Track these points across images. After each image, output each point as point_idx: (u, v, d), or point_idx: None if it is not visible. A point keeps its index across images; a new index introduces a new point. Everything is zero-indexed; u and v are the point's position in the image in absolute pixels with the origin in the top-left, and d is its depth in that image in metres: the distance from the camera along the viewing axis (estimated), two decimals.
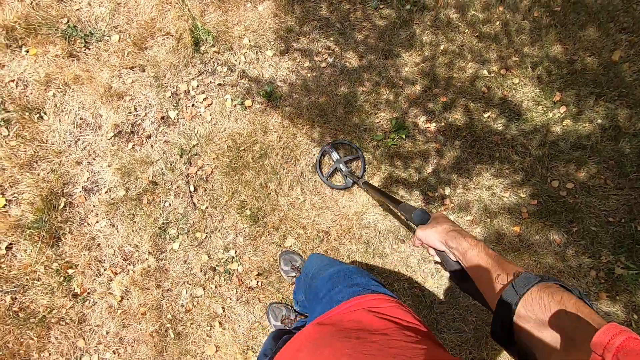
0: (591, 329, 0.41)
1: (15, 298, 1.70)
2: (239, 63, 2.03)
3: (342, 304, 0.82)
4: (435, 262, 0.80)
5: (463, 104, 2.14)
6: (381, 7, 2.18)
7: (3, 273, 1.69)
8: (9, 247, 1.72)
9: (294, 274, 1.85)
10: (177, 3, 1.95)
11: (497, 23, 2.23)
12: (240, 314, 1.87)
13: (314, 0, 2.14)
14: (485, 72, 2.19)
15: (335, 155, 2.01)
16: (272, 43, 2.08)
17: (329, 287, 0.94)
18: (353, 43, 2.14)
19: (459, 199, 2.05)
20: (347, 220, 1.99)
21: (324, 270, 1.05)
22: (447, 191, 2.06)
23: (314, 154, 2.03)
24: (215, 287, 1.87)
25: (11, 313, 1.68)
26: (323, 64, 2.10)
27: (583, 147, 2.10)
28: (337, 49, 2.12)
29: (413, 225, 0.85)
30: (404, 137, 2.07)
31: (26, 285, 1.70)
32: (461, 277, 0.73)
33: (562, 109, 2.15)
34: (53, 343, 1.70)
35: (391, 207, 1.86)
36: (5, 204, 1.73)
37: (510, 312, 0.53)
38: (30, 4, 1.91)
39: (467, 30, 2.21)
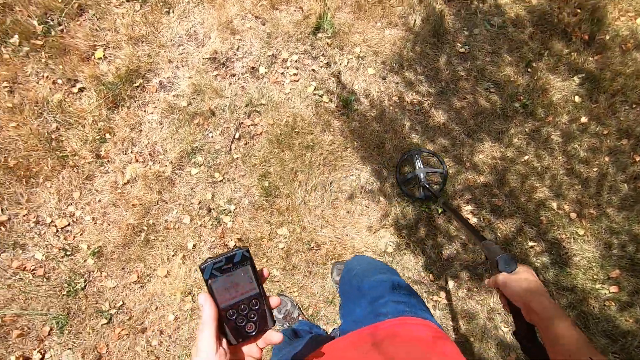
0: None
1: (59, 129, 1.93)
2: (340, 64, 2.14)
3: (388, 321, 0.80)
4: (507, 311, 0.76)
5: (514, 218, 2.02)
6: (492, 90, 2.16)
7: (65, 105, 1.94)
8: (81, 89, 1.97)
9: None
10: None
11: (595, 169, 2.08)
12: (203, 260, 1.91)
13: (435, 52, 2.19)
14: (554, 206, 2.05)
15: (418, 163, 2.01)
16: (377, 64, 2.16)
17: (374, 296, 0.92)
18: (446, 105, 2.14)
19: (455, 303, 1.92)
20: (341, 248, 1.96)
21: (373, 275, 1.02)
22: (451, 284, 1.94)
23: (352, 174, 2.05)
24: (201, 225, 1.94)
25: (49, 137, 1.91)
26: (408, 107, 2.13)
27: (613, 339, 1.85)
28: (428, 102, 2.14)
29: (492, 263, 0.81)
30: (439, 211, 2.01)
31: (72, 124, 1.93)
32: (528, 338, 0.70)
33: (613, 289, 1.93)
34: (59, 180, 1.89)
35: (472, 239, 1.81)
36: (101, 58, 1.99)
37: None
38: None
39: (560, 157, 2.10)
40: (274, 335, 0.55)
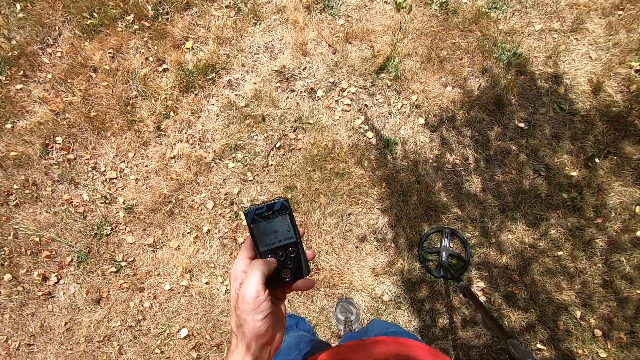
0: None
1: (137, 97, 2.24)
2: (393, 106, 2.20)
3: (380, 337, 0.83)
4: None
5: (528, 312, 1.87)
6: (541, 173, 2.05)
7: (148, 80, 2.25)
8: (164, 70, 2.28)
9: (342, 327, 1.86)
10: (397, 35, 2.22)
11: (638, 292, 1.86)
12: (213, 246, 2.05)
13: (492, 119, 2.15)
14: (578, 315, 1.86)
15: (445, 241, 1.98)
16: (429, 116, 2.18)
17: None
18: (487, 175, 2.08)
19: None
20: (339, 279, 1.97)
21: (384, 329, 1.06)
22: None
23: (372, 213, 2.06)
24: (220, 214, 2.09)
25: (127, 101, 2.23)
26: (447, 165, 2.10)
27: None
28: (470, 166, 2.10)
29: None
30: (450, 283, 1.93)
31: (148, 96, 2.23)
32: None
33: None
34: (122, 138, 2.18)
35: (495, 333, 1.77)
36: (189, 48, 2.29)
37: None
38: None
39: (600, 265, 1.91)
40: (308, 282, 0.57)
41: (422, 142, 2.16)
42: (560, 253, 1.94)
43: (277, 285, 0.56)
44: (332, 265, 1.99)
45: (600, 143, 2.07)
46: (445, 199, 2.06)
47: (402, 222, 2.04)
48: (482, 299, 1.94)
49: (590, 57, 2.19)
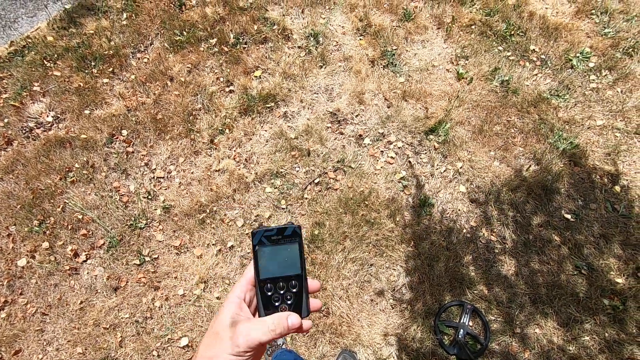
0: None
1: (201, 109, 2.45)
2: (437, 169, 2.21)
3: None
4: None
5: None
6: (583, 272, 1.92)
7: (214, 97, 2.46)
8: (231, 91, 2.49)
9: None
10: (453, 102, 2.28)
11: None
12: (233, 263, 2.09)
13: (537, 204, 2.08)
14: None
15: (465, 318, 1.90)
16: (472, 186, 2.16)
17: None
18: (523, 260, 1.98)
19: None
20: (347, 328, 1.92)
21: None
22: None
23: (395, 270, 2.02)
24: (247, 233, 2.15)
25: (190, 112, 2.43)
26: (482, 240, 2.04)
27: None
28: (505, 246, 2.02)
29: None
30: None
31: (210, 111, 2.43)
32: None
33: None
34: (177, 143, 2.36)
35: None
36: (257, 76, 2.50)
37: None
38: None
39: None
40: (304, 324, 0.50)
41: (459, 209, 2.12)
42: None
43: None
44: (343, 313, 1.95)
45: None
46: (473, 274, 1.98)
47: (423, 286, 1.97)
48: None
49: None
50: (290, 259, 0.51)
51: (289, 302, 0.50)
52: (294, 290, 0.51)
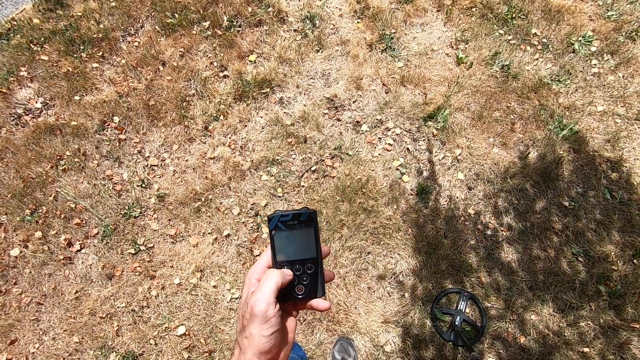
0: None
1: (194, 95, 2.39)
2: (435, 155, 2.18)
3: None
4: None
5: None
6: (580, 259, 1.92)
7: (208, 82, 2.39)
8: (225, 76, 2.42)
9: None
10: (452, 87, 2.23)
11: None
12: (229, 252, 2.07)
13: (536, 191, 2.07)
14: None
15: (462, 305, 1.90)
16: (470, 173, 2.13)
17: None
18: (522, 247, 1.98)
19: None
20: (344, 316, 1.92)
21: None
22: None
23: (393, 257, 2.01)
24: (243, 222, 2.13)
25: (184, 98, 2.37)
26: (480, 227, 2.03)
27: None
28: (504, 234, 2.01)
29: None
30: (459, 350, 1.82)
31: (204, 97, 2.36)
32: None
33: None
34: (171, 130, 2.31)
35: None
36: (252, 61, 2.43)
37: None
38: None
39: None
40: (321, 303, 0.53)
41: (457, 197, 2.10)
42: (586, 350, 1.78)
43: (289, 299, 0.53)
44: (340, 301, 1.94)
45: None
46: (471, 261, 1.97)
47: (421, 274, 1.97)
48: None
49: None
50: (306, 242, 0.53)
51: (305, 282, 0.53)
52: (310, 271, 0.53)
